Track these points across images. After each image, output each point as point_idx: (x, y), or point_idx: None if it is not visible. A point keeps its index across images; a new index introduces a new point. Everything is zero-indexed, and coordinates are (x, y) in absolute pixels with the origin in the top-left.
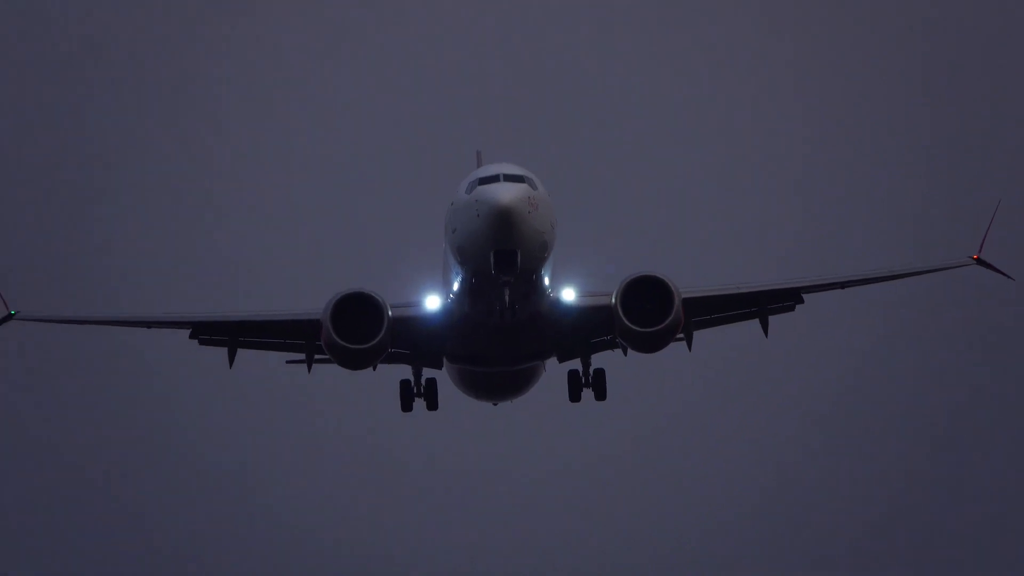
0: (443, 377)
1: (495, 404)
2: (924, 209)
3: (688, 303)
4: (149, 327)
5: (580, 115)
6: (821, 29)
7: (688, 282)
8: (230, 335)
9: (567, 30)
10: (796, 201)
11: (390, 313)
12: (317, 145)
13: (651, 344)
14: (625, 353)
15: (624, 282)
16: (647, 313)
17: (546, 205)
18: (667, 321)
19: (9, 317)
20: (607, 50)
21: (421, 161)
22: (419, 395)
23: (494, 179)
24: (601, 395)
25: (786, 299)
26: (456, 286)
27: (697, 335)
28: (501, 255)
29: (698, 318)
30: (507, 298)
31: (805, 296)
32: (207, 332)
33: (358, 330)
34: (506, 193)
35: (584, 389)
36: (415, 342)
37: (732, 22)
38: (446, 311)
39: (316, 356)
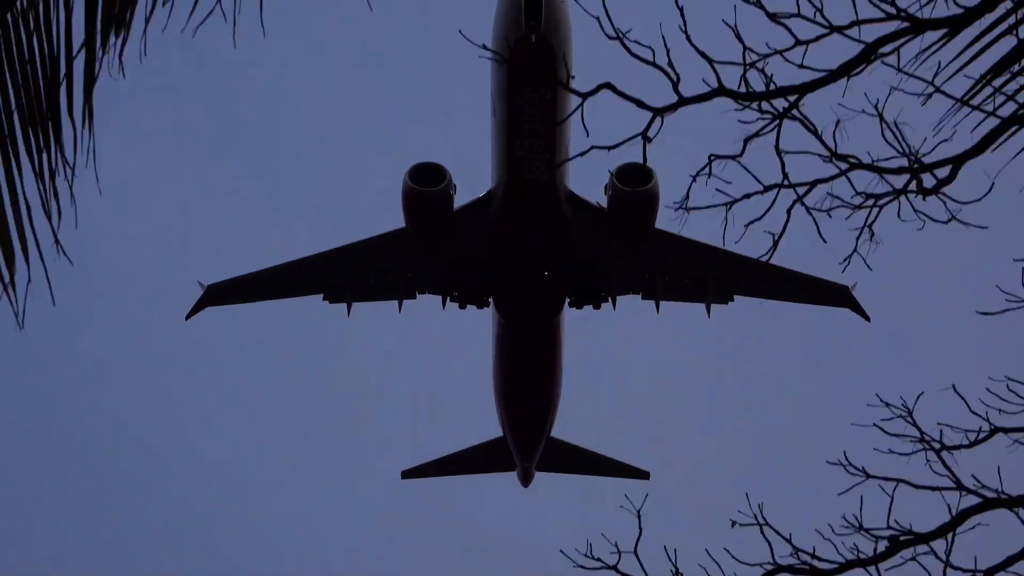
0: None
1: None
2: None
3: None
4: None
5: None
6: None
7: None
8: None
9: None
10: None
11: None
12: None
13: (637, 212)
14: (644, 296)
15: (617, 167)
16: None
17: (568, 23)
18: (650, 183)
19: (207, 297)
20: None
21: None
22: (462, 306)
23: None
24: (597, 307)
25: (720, 289)
26: (495, 142)
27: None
28: (530, 3)
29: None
30: (531, 121)
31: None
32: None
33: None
34: None
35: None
36: (459, 247)
37: None
38: (488, 198)
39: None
